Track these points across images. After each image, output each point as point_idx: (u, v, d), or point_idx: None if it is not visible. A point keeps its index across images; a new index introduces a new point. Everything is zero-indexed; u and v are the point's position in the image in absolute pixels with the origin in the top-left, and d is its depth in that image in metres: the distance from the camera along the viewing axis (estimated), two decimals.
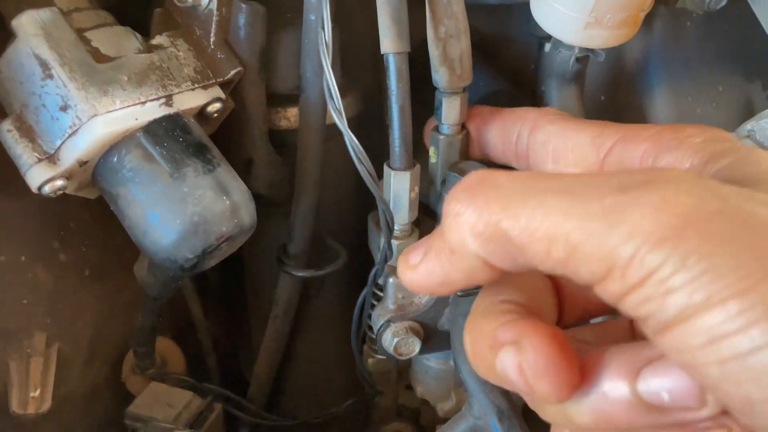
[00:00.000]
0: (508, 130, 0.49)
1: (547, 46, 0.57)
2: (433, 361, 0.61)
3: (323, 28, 0.44)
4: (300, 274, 0.60)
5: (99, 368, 0.67)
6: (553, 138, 0.43)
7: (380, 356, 0.68)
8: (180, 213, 0.43)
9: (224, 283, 0.79)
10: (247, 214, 0.46)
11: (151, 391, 0.65)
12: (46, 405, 0.59)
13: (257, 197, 0.58)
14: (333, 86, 0.43)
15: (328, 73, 0.43)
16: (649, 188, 0.25)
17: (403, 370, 0.68)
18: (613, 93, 0.69)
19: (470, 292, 0.51)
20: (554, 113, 0.46)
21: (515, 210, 0.27)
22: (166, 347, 0.70)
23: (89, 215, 0.61)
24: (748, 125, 0.55)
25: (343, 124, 0.44)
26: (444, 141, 0.58)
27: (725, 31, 0.64)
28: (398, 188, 0.52)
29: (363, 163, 0.45)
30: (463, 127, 0.58)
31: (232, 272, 0.75)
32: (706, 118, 0.65)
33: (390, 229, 0.50)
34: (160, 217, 0.43)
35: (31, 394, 0.59)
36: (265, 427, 0.72)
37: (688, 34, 0.64)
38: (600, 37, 0.51)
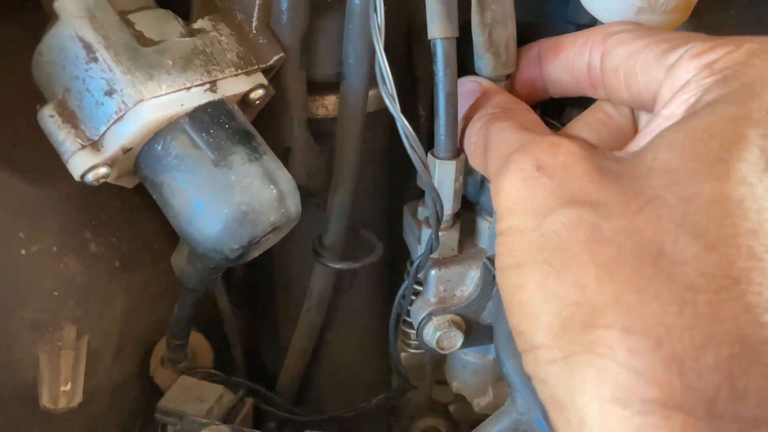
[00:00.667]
0: (575, 63, 0.44)
1: None
2: (471, 356, 0.60)
3: (375, 11, 0.42)
4: (336, 266, 0.59)
5: (127, 362, 0.66)
6: (622, 63, 0.39)
7: (414, 350, 0.66)
8: (227, 201, 0.42)
9: (251, 276, 0.78)
10: (293, 203, 0.44)
11: (181, 385, 0.63)
12: (77, 399, 0.58)
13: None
14: (387, 71, 0.42)
15: (381, 57, 0.42)
16: None
17: (436, 364, 0.67)
18: None
19: None
20: (622, 29, 0.41)
21: None
22: (195, 340, 0.69)
23: (120, 204, 0.60)
24: None
25: (396, 110, 0.43)
26: None
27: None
28: (443, 178, 0.51)
29: (416, 151, 0.43)
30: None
31: (259, 264, 0.74)
32: None
33: (439, 220, 0.49)
34: (206, 206, 0.42)
35: (62, 389, 0.58)
36: (292, 421, 0.71)
37: (731, 22, 0.62)
38: (651, 23, 0.50)
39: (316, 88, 0.56)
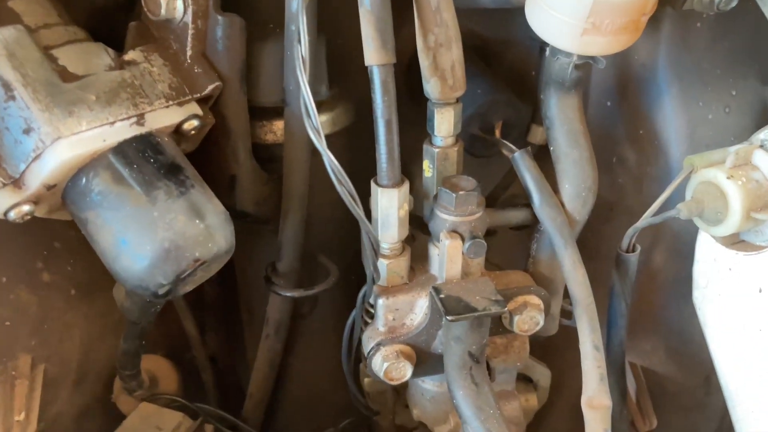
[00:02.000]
0: None
1: (548, 51, 0.54)
2: (429, 383, 0.59)
3: (299, 41, 0.41)
4: (289, 294, 0.58)
5: (89, 389, 0.66)
6: None
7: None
8: (150, 238, 0.41)
9: (222, 298, 0.77)
10: (223, 237, 0.43)
11: (139, 413, 0.63)
12: (32, 428, 0.58)
13: (243, 215, 0.56)
14: (310, 103, 0.41)
15: (304, 89, 0.41)
16: None
17: (400, 389, 0.66)
18: (619, 99, 0.65)
19: (461, 318, 0.48)
20: None
21: None
22: (158, 365, 0.68)
23: (75, 234, 0.59)
24: (762, 134, 0.52)
25: (321, 144, 0.42)
26: (438, 154, 0.55)
27: (738, 32, 0.60)
28: (386, 206, 0.49)
29: (343, 185, 0.42)
30: (457, 139, 0.56)
31: (230, 286, 0.73)
32: (718, 124, 0.61)
33: (375, 251, 0.48)
34: (130, 243, 0.41)
35: (16, 418, 0.57)
36: None
37: (698, 37, 0.60)
38: (598, 44, 0.48)
39: (263, 113, 0.55)
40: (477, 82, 0.62)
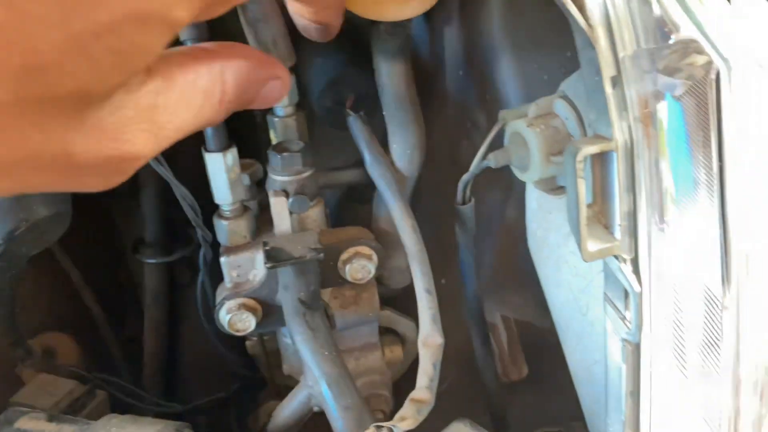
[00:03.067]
0: None
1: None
2: (289, 338, 0.63)
3: None
4: (149, 260, 0.62)
5: None
6: None
7: (255, 339, 0.70)
8: None
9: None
10: (43, 204, 0.48)
11: (36, 382, 0.68)
12: None
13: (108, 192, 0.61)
14: None
15: None
16: None
17: (270, 350, 0.70)
18: (468, 67, 0.70)
19: (279, 264, 0.52)
20: None
21: None
22: (59, 341, 0.73)
23: None
24: (563, 85, 0.56)
25: (166, 173, 0.47)
26: (278, 123, 0.60)
27: None
28: (214, 169, 0.54)
29: (185, 199, 0.47)
30: (296, 109, 0.60)
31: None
32: (555, 85, 0.66)
33: (196, 212, 0.52)
34: None
35: None
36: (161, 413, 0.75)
37: (530, 1, 0.64)
38: (393, 9, 0.52)
39: None
40: (327, 57, 0.67)
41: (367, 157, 0.58)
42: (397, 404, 0.70)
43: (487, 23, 0.66)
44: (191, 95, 0.30)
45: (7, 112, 0.23)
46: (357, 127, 0.59)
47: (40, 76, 0.23)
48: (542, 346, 0.76)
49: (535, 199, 0.62)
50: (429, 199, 0.76)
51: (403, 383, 0.73)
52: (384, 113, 0.60)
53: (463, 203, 0.61)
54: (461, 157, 0.75)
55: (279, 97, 0.39)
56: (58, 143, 0.25)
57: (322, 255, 0.52)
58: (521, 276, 0.75)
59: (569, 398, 0.69)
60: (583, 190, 0.45)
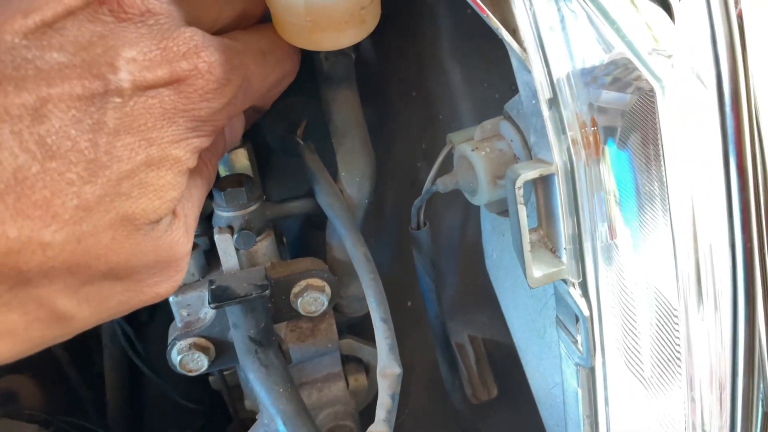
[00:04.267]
0: None
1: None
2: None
3: None
4: None
5: None
6: None
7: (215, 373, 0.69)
8: None
9: None
10: None
11: None
12: None
13: None
14: None
15: None
16: None
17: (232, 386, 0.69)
18: (420, 89, 0.69)
19: (223, 304, 0.51)
20: None
21: None
22: (20, 384, 0.72)
23: None
24: (507, 106, 0.56)
25: None
26: (229, 157, 0.59)
27: None
28: None
29: None
30: (243, 143, 0.59)
31: None
32: (505, 102, 0.65)
33: None
34: None
35: None
36: None
37: (474, 21, 0.64)
38: (328, 39, 0.52)
39: None
40: None
41: (316, 187, 0.57)
42: None
43: (436, 45, 0.65)
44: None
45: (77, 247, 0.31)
46: (306, 156, 0.59)
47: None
48: (511, 364, 0.75)
49: (489, 221, 0.62)
50: (391, 221, 0.76)
51: (371, 411, 0.72)
52: (332, 141, 0.59)
53: (418, 228, 0.60)
54: (419, 178, 0.74)
55: (242, 127, 0.50)
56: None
57: (267, 292, 0.52)
58: (485, 295, 0.74)
59: (539, 417, 0.68)
60: (524, 216, 0.45)
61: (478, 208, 0.69)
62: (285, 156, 0.67)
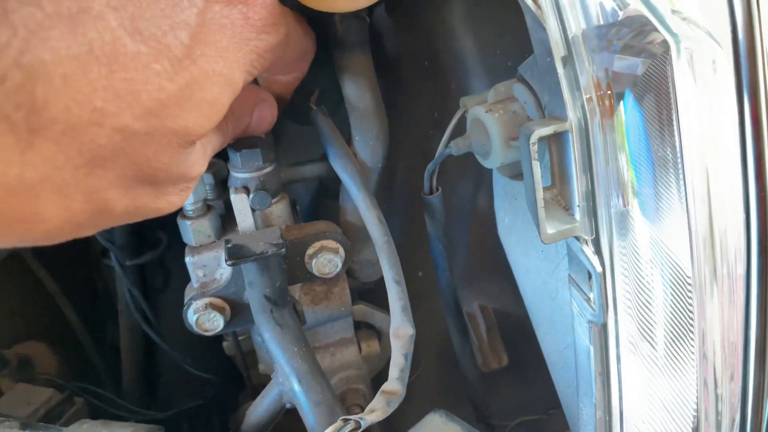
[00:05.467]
0: None
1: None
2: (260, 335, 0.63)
3: None
4: (114, 264, 0.62)
5: None
6: None
7: (230, 338, 0.69)
8: None
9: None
10: None
11: (14, 392, 0.68)
12: None
13: None
14: None
15: None
16: None
17: (246, 351, 0.69)
18: (434, 58, 0.70)
19: (239, 261, 0.52)
20: None
21: None
22: (36, 350, 0.73)
23: None
24: (521, 68, 0.56)
25: None
26: None
27: None
28: None
29: None
30: None
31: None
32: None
33: None
34: None
35: None
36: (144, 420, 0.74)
37: None
38: (341, 2, 0.52)
39: None
40: None
41: (330, 150, 0.58)
42: None
43: (448, 12, 0.66)
44: None
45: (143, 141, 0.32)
46: (319, 120, 0.59)
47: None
48: (521, 334, 0.76)
49: (501, 186, 0.62)
50: (402, 191, 0.76)
51: (384, 377, 0.72)
52: (345, 105, 0.60)
53: (431, 193, 0.61)
54: (430, 148, 0.74)
55: (271, 117, 0.53)
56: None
57: (284, 250, 0.52)
58: (496, 264, 0.74)
59: (549, 386, 0.68)
60: (539, 173, 0.45)
61: (489, 177, 0.69)
62: (297, 124, 0.68)
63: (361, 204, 0.57)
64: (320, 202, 0.74)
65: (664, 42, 0.44)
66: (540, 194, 0.45)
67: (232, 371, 0.74)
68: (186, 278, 0.71)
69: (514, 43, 0.67)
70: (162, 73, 0.31)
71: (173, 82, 0.32)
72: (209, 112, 0.35)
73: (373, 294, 0.70)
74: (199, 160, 0.38)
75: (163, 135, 0.33)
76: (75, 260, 0.77)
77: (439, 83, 0.69)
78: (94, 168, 0.30)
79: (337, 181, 0.63)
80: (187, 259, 0.56)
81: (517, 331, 0.76)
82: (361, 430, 0.47)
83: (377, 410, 0.49)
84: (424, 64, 0.70)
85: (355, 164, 0.58)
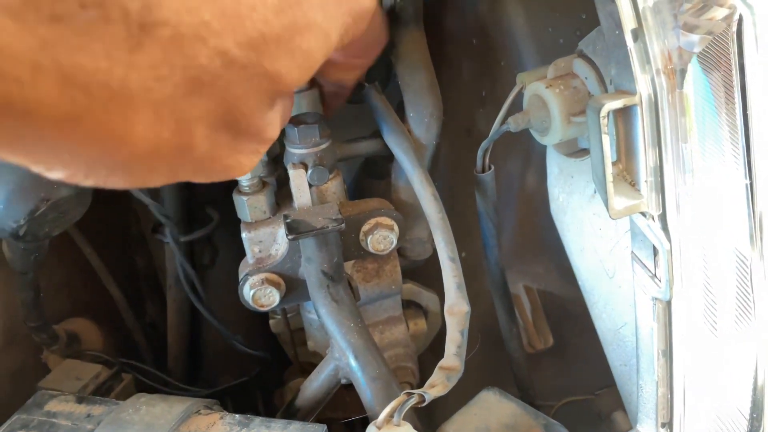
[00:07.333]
0: None
1: None
2: (313, 313, 0.63)
3: None
4: (168, 239, 0.62)
5: (20, 350, 0.71)
6: None
7: (278, 316, 0.69)
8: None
9: (152, 267, 0.83)
10: (64, 183, 0.48)
11: (63, 367, 0.68)
12: None
13: None
14: None
15: None
16: None
17: (294, 327, 0.70)
18: (481, 35, 0.69)
19: (301, 236, 0.52)
20: None
21: None
22: (83, 326, 0.74)
23: None
24: (581, 44, 0.55)
25: None
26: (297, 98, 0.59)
27: None
28: None
29: None
30: (311, 85, 0.60)
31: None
32: (570, 48, 0.64)
33: None
34: None
35: None
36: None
37: None
38: None
39: None
40: None
41: (384, 127, 0.58)
42: (422, 377, 0.70)
43: None
44: None
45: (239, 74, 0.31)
46: (373, 97, 0.59)
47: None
48: (566, 315, 0.76)
49: (556, 164, 0.61)
50: (445, 171, 0.76)
51: (427, 356, 0.72)
52: (399, 82, 0.59)
53: (483, 171, 0.60)
54: (477, 127, 0.74)
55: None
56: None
57: (343, 225, 0.52)
58: (542, 246, 0.74)
59: (595, 367, 0.68)
60: (608, 146, 0.45)
61: (539, 155, 0.69)
62: (347, 102, 0.68)
63: (416, 181, 0.57)
64: (365, 183, 0.74)
65: (733, 14, 0.43)
66: (609, 169, 0.45)
67: (275, 349, 0.75)
68: (232, 256, 0.71)
69: (565, 21, 0.66)
70: (269, 4, 0.31)
71: (278, 18, 0.31)
72: (302, 63, 0.34)
73: (417, 273, 0.70)
74: (275, 122, 0.37)
75: (257, 74, 0.32)
76: (117, 238, 0.77)
77: (488, 61, 0.69)
78: (191, 92, 0.30)
79: (383, 160, 0.63)
80: (244, 235, 0.56)
81: (561, 313, 0.76)
82: (425, 403, 0.47)
83: (438, 385, 0.49)
84: (472, 41, 0.69)
85: (410, 141, 0.58)
